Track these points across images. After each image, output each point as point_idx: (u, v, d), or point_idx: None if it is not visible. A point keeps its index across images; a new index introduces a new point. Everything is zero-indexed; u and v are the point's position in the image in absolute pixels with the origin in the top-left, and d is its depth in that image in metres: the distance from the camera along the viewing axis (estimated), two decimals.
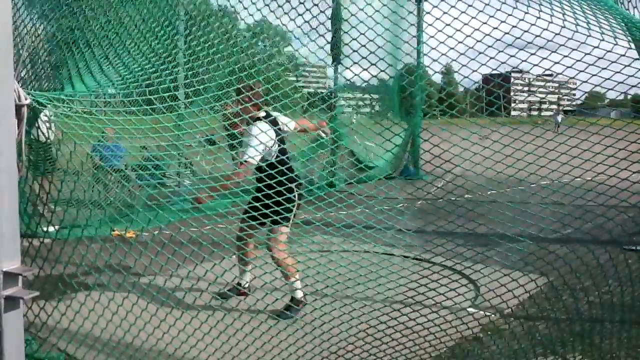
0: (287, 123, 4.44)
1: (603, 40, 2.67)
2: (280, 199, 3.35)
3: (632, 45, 2.81)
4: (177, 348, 3.07)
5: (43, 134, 3.06)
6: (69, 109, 2.86)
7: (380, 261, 3.39)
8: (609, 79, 2.70)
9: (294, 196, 4.07)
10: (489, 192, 3.72)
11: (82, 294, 3.41)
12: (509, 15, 2.80)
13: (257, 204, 3.42)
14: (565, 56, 2.74)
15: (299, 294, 4.33)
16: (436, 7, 3.01)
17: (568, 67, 2.76)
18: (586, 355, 3.17)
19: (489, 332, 3.95)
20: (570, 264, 3.04)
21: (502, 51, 2.98)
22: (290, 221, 4.18)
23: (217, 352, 3.07)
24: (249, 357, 3.15)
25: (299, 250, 4.35)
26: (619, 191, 2.80)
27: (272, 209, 3.40)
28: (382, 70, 3.38)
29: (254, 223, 4.07)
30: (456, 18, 2.88)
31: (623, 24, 2.88)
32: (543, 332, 3.78)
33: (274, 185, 3.34)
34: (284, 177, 3.59)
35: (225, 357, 3.09)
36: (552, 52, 2.78)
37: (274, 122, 4.26)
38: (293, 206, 4.04)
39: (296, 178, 4.09)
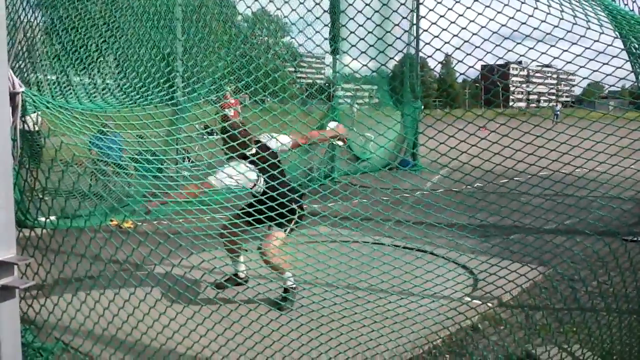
0: (286, 143, 4.24)
1: (603, 33, 2.65)
2: (274, 203, 3.42)
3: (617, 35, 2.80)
4: (170, 337, 3.07)
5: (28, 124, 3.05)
6: (58, 111, 2.85)
7: (378, 251, 3.39)
8: (610, 74, 2.69)
9: (293, 210, 3.98)
10: (487, 184, 3.75)
11: (79, 283, 3.41)
12: (506, 5, 2.77)
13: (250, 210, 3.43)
14: (564, 51, 2.73)
15: (290, 283, 4.30)
16: None
17: (568, 62, 2.74)
18: (584, 345, 3.19)
19: (487, 322, 3.97)
20: (569, 255, 3.05)
21: (499, 45, 2.95)
22: (287, 229, 4.16)
23: (213, 344, 3.07)
24: (248, 348, 3.15)
25: (300, 240, 4.34)
26: (620, 181, 2.80)
27: (267, 214, 3.41)
28: (382, 64, 3.37)
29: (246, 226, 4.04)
30: (450, 9, 2.86)
31: (610, 16, 2.87)
32: (541, 322, 3.80)
33: (272, 197, 3.43)
34: (281, 200, 3.51)
35: (221, 349, 3.09)
36: (552, 46, 2.76)
37: (263, 148, 4.19)
38: (291, 217, 3.94)
39: (295, 198, 4.06)
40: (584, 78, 2.72)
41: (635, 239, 4.97)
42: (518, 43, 2.85)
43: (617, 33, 2.89)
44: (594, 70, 2.64)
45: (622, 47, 2.74)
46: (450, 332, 3.66)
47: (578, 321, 3.25)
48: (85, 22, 4.36)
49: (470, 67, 3.03)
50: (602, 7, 2.86)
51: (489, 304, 4.14)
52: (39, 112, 2.66)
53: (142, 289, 3.05)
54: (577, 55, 2.66)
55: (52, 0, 4.45)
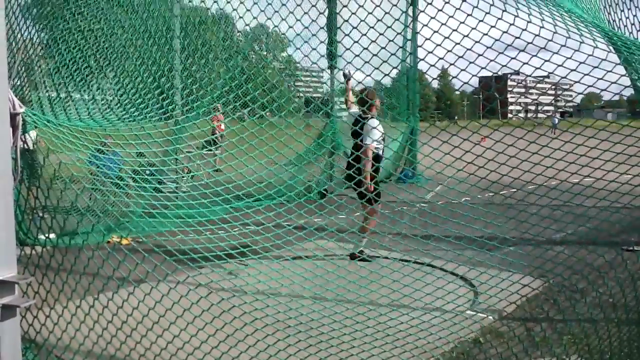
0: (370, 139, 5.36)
1: (597, 47, 2.68)
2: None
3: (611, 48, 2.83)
4: (174, 354, 3.06)
5: (28, 143, 3.06)
6: (57, 130, 2.87)
7: (379, 265, 3.39)
8: (605, 89, 2.71)
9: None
10: (486, 195, 3.79)
11: (78, 301, 3.40)
12: (499, 19, 2.80)
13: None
14: (559, 65, 2.75)
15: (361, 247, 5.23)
16: (423, 11, 3.02)
17: (563, 77, 2.77)
18: (584, 357, 3.17)
19: (488, 335, 3.95)
20: (569, 266, 3.04)
21: (493, 60, 2.98)
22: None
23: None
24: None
25: (302, 255, 4.34)
26: (619, 194, 2.81)
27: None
28: (385, 74, 3.41)
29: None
30: (444, 24, 2.89)
31: (603, 32, 2.91)
32: (541, 334, 3.79)
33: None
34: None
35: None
36: (546, 61, 2.78)
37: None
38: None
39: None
40: (579, 93, 2.75)
41: (632, 248, 4.98)
42: (512, 58, 2.88)
43: (621, 57, 2.92)
44: (589, 86, 2.66)
45: (618, 61, 2.77)
46: (450, 346, 3.64)
47: (577, 332, 3.24)
48: (86, 38, 4.39)
49: (465, 83, 3.05)
50: (603, 34, 2.89)
51: (489, 317, 4.13)
52: (37, 131, 2.69)
53: (140, 310, 3.04)
54: (572, 70, 2.68)
55: (52, 13, 4.49)
